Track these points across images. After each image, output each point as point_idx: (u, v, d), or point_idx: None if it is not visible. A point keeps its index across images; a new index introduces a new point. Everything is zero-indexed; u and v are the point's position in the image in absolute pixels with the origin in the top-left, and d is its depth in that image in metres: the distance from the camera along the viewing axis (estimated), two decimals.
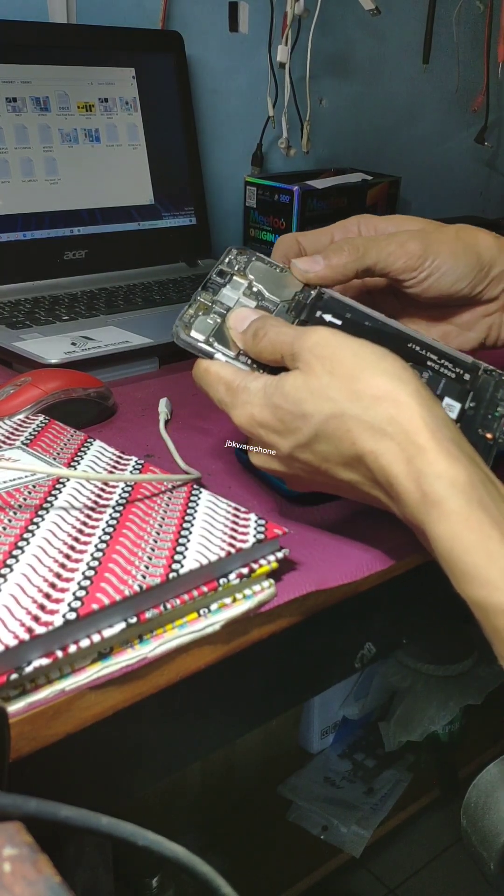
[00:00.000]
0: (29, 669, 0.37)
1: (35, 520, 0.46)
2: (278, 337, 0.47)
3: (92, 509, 0.48)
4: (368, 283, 0.59)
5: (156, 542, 0.45)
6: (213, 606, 0.44)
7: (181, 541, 0.45)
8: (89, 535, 0.45)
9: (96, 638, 0.39)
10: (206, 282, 0.52)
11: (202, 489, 0.51)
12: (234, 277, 0.52)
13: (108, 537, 0.45)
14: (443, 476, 0.40)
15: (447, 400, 0.50)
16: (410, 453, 0.41)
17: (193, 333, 0.50)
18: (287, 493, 0.56)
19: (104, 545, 0.44)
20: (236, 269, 0.52)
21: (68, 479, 0.51)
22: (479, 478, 0.41)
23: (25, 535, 0.44)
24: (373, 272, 0.54)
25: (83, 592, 0.39)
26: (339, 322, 0.51)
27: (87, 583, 0.40)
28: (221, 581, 0.44)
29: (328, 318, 0.51)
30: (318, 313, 0.51)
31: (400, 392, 0.42)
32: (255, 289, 0.52)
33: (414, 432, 0.41)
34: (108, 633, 0.40)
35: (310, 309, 0.51)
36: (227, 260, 0.53)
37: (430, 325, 0.59)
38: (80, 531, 0.45)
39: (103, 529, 0.45)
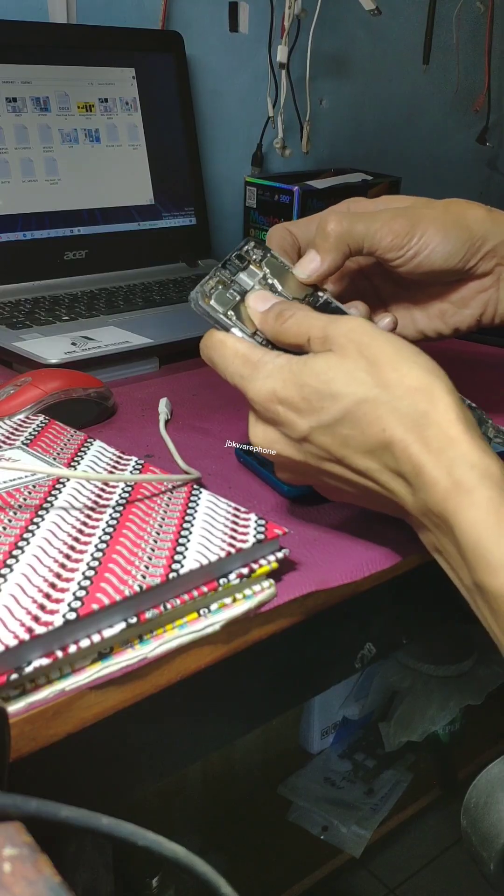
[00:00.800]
0: (29, 669, 0.37)
1: (35, 520, 0.46)
2: (307, 320, 0.47)
3: (92, 509, 0.48)
4: (363, 265, 0.59)
5: (156, 542, 0.45)
6: (214, 606, 0.44)
7: (181, 541, 0.45)
8: (89, 535, 0.45)
9: (96, 638, 0.39)
10: (225, 261, 0.52)
11: (202, 489, 0.51)
12: (251, 266, 0.52)
13: (108, 537, 0.45)
14: (476, 466, 0.40)
15: None
16: (443, 444, 0.41)
17: (213, 303, 0.50)
18: (287, 493, 0.56)
19: (104, 545, 0.44)
20: (253, 258, 0.52)
21: (68, 480, 0.51)
22: None
23: (25, 535, 0.44)
24: (362, 249, 0.53)
25: (83, 592, 0.39)
26: None
27: (87, 583, 0.40)
28: (221, 581, 0.44)
29: None
30: None
31: (435, 387, 0.43)
32: (269, 281, 0.52)
33: (447, 426, 0.42)
34: (108, 633, 0.40)
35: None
36: (245, 248, 0.53)
37: (427, 305, 0.59)
38: (80, 531, 0.45)
39: (103, 529, 0.45)
